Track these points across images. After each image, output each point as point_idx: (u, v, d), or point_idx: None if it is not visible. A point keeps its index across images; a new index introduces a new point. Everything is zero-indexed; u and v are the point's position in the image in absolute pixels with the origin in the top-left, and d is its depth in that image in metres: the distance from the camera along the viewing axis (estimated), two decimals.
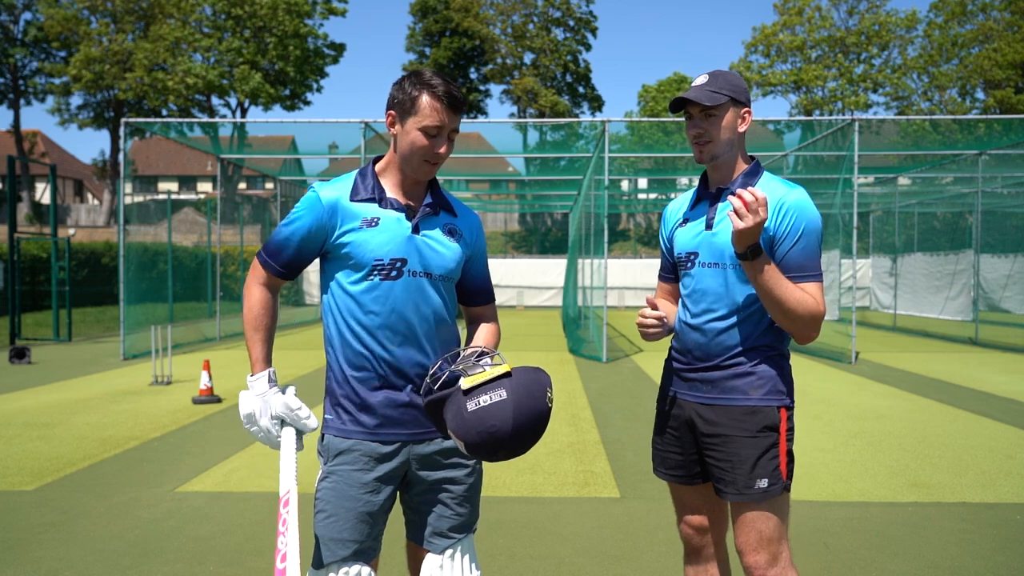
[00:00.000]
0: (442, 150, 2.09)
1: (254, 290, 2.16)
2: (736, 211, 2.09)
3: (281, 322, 19.27)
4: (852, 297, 13.08)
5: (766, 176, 2.31)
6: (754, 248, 2.12)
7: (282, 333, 17.18)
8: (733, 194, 2.15)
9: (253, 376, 2.10)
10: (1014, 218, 22.13)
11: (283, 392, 2.09)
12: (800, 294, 2.16)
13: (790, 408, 2.31)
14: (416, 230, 2.12)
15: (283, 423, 2.08)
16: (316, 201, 2.11)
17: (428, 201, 2.17)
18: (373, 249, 2.09)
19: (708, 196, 2.36)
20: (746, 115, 2.28)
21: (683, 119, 2.36)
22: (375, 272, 2.09)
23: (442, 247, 2.16)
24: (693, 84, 2.31)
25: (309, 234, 2.12)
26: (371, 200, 2.12)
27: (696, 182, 2.54)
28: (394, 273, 2.09)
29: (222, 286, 18.31)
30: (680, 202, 2.51)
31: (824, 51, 39.73)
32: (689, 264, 2.36)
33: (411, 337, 2.11)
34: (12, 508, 4.65)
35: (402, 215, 2.13)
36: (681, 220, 2.43)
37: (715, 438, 2.30)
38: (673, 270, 2.49)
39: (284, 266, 2.16)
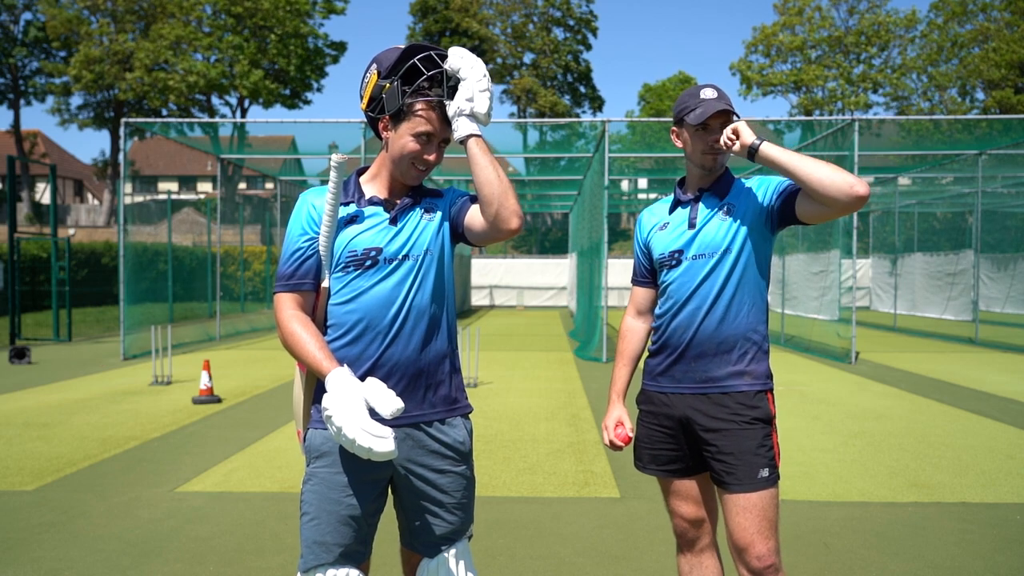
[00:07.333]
0: (431, 157, 2.12)
1: (285, 316, 2.08)
2: (727, 141, 2.31)
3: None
4: (852, 297, 13.09)
5: (738, 180, 2.51)
6: (751, 148, 2.26)
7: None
8: (711, 193, 2.45)
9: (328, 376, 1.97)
10: (1014, 218, 22.13)
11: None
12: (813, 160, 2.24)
13: (772, 391, 2.44)
14: (394, 221, 2.12)
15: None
16: (305, 205, 2.14)
17: (409, 194, 2.18)
18: (348, 243, 2.09)
19: (686, 200, 2.48)
20: None
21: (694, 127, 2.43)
22: (350, 265, 2.09)
23: (417, 228, 2.14)
24: (707, 97, 2.37)
25: (308, 234, 2.13)
26: (348, 203, 2.14)
27: None
28: (368, 263, 2.08)
29: (222, 286, 18.30)
30: (656, 210, 2.61)
31: (824, 51, 39.75)
32: (674, 262, 2.44)
33: (387, 330, 2.09)
34: (12, 508, 4.65)
35: (380, 208, 2.14)
36: (660, 225, 2.53)
37: (714, 432, 2.35)
38: (650, 274, 2.58)
39: (308, 276, 2.11)
